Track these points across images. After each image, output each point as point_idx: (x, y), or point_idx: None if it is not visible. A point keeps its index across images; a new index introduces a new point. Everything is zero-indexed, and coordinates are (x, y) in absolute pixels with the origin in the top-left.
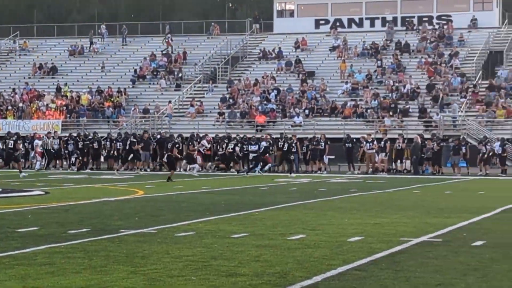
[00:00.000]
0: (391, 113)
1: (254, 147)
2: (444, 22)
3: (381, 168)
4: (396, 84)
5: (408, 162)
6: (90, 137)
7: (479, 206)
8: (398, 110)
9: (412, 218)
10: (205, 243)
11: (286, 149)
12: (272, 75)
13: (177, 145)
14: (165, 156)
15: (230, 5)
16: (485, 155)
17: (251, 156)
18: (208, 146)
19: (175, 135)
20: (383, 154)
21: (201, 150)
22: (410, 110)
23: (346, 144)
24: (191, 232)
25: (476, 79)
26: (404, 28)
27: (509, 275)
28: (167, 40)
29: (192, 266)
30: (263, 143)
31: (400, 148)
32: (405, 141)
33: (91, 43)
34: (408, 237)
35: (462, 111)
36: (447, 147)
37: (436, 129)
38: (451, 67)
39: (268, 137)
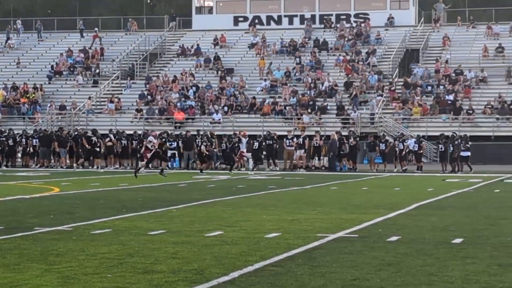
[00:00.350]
0: (309, 110)
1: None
2: (362, 20)
3: (299, 165)
4: (315, 82)
5: (326, 159)
6: (5, 133)
7: (394, 202)
8: (317, 107)
9: (329, 214)
10: (122, 240)
11: (257, 147)
12: (191, 71)
13: (205, 143)
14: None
15: (148, 1)
16: (403, 152)
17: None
18: (156, 141)
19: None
20: (302, 151)
21: (149, 146)
22: (328, 107)
23: (266, 141)
24: (107, 229)
25: (393, 77)
26: (322, 26)
27: (422, 270)
28: (95, 34)
29: (108, 263)
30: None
31: (317, 145)
32: (323, 138)
33: (8, 38)
34: (324, 233)
35: (379, 109)
36: (368, 143)
37: (354, 126)
38: (369, 65)
39: (246, 133)
